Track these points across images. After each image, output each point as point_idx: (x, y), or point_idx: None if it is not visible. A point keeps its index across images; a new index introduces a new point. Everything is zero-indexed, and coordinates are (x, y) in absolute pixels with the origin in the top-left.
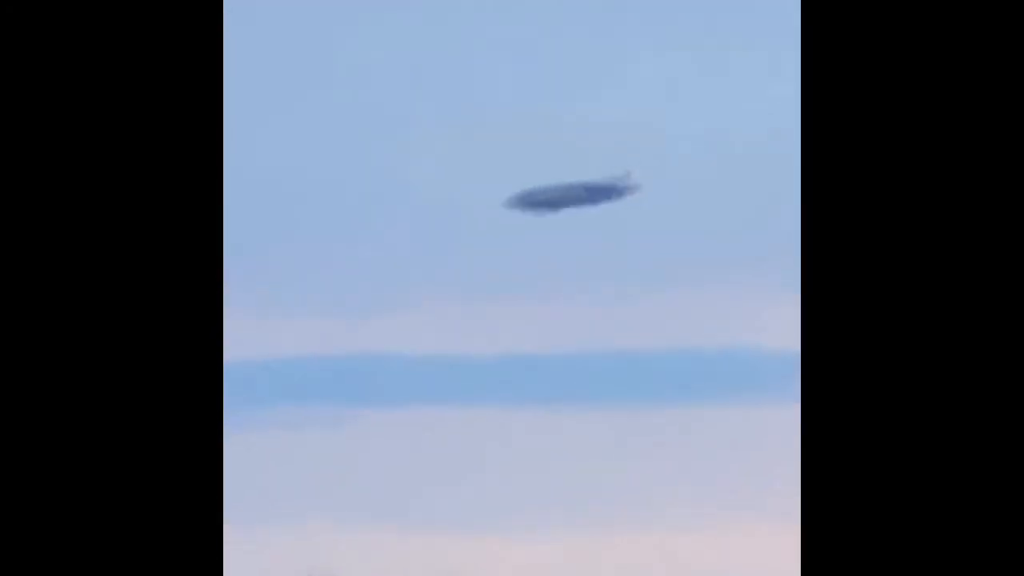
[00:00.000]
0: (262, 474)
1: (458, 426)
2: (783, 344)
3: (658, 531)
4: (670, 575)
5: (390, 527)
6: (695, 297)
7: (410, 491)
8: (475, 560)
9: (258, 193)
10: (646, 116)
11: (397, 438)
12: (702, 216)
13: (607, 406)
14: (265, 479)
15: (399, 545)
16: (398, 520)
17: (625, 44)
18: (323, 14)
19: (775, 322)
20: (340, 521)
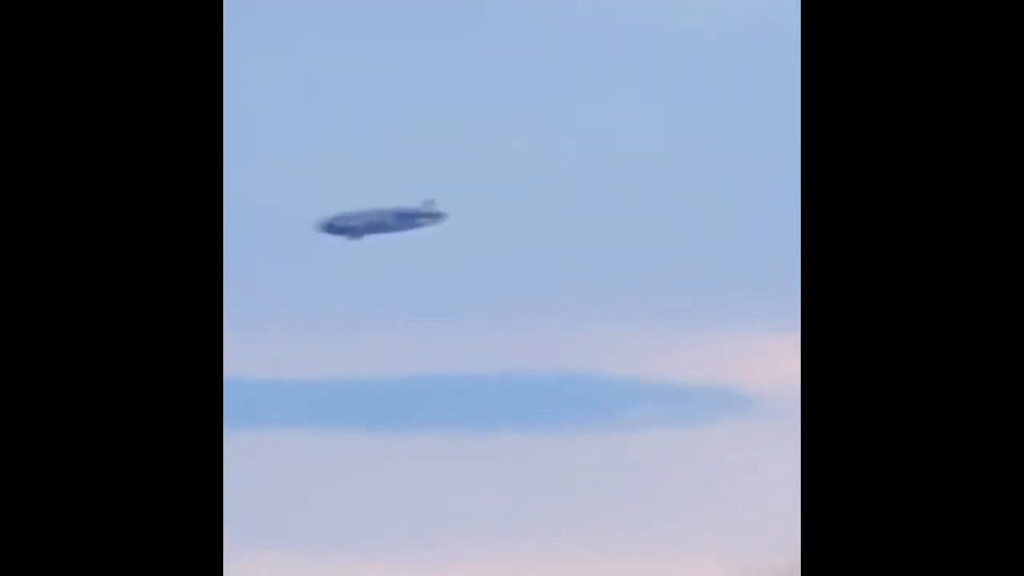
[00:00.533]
0: None
1: (313, 448)
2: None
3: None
4: None
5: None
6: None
7: (257, 510)
8: None
9: None
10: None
11: (253, 458)
12: (514, 243)
13: (439, 431)
14: None
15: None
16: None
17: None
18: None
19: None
20: None
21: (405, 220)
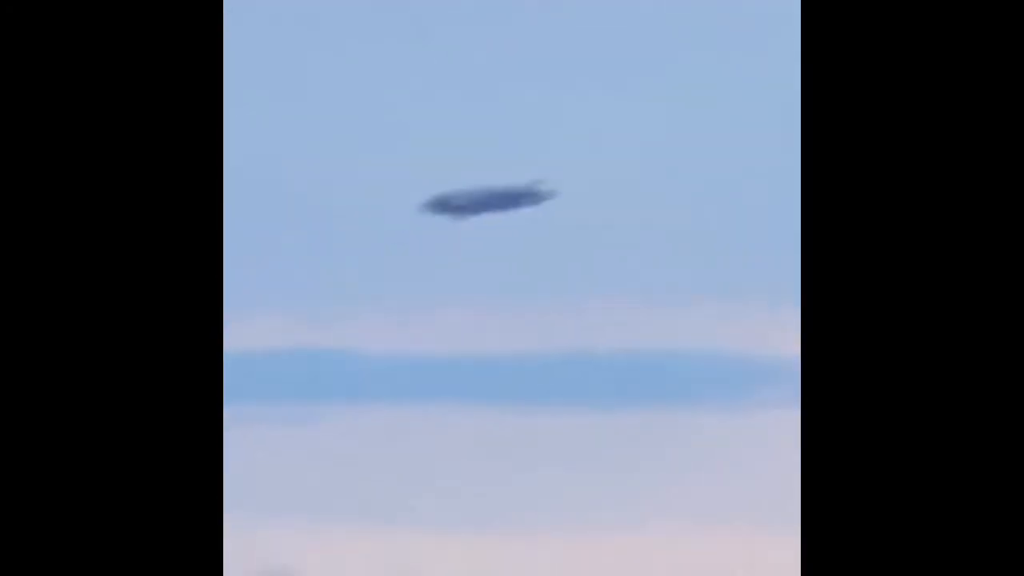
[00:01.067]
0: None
1: (426, 425)
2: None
3: (642, 537)
4: None
5: (358, 526)
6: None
7: (380, 489)
8: (450, 561)
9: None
10: (567, 117)
11: (365, 435)
12: (627, 222)
13: (570, 407)
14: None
15: (364, 543)
16: (365, 519)
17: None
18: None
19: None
20: (308, 519)
21: (511, 199)
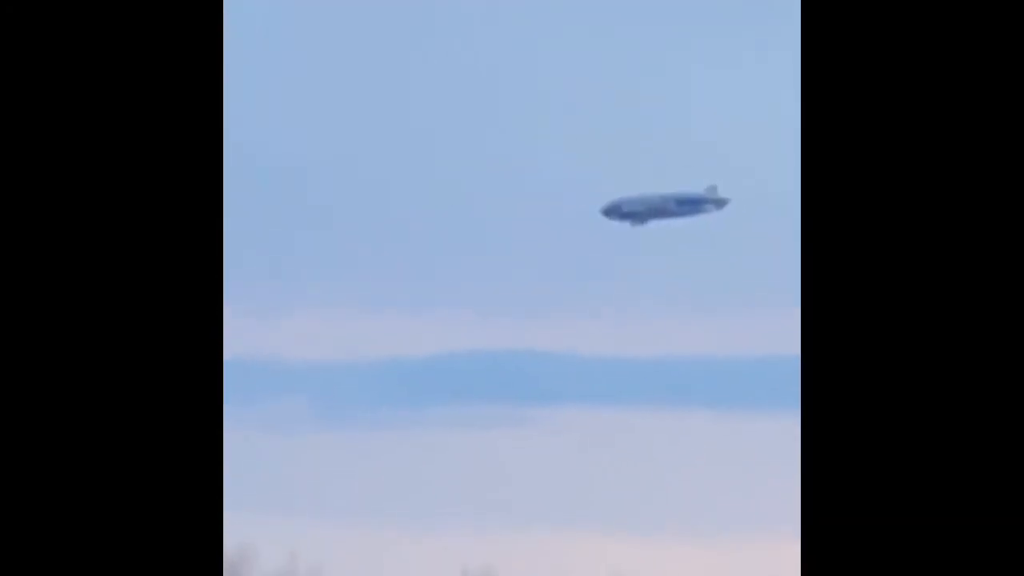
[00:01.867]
0: (407, 474)
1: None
2: None
3: None
4: None
5: (547, 526)
6: None
7: (572, 491)
8: (638, 561)
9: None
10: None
11: (563, 436)
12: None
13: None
14: (411, 479)
15: (556, 544)
16: (556, 519)
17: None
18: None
19: None
20: (493, 521)
21: (688, 206)
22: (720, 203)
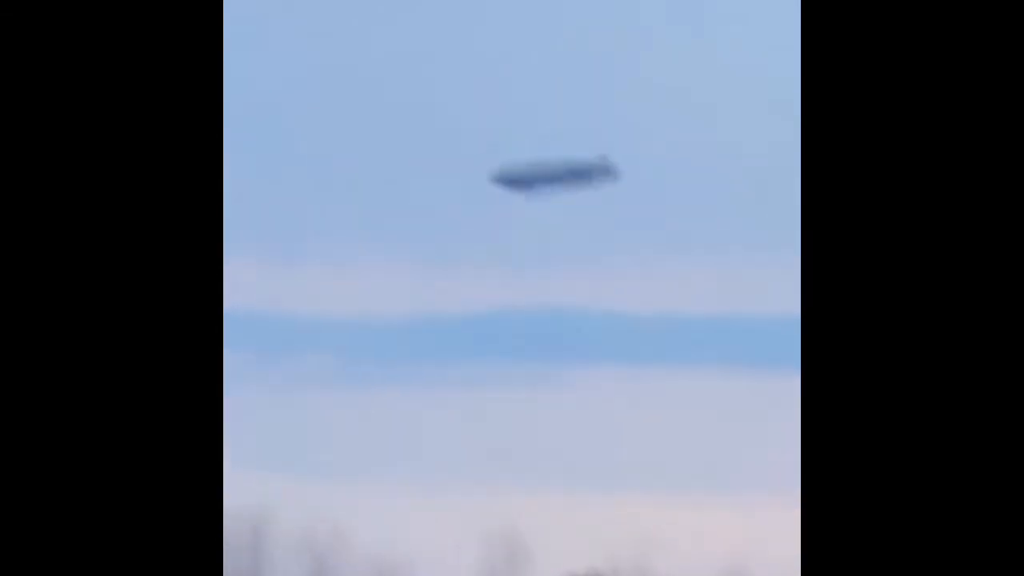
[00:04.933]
0: (445, 433)
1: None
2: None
3: None
4: None
5: (581, 489)
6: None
7: (598, 452)
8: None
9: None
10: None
11: (590, 396)
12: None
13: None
14: (447, 438)
15: (590, 507)
16: (586, 481)
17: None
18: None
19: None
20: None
21: (578, 175)
22: (610, 172)
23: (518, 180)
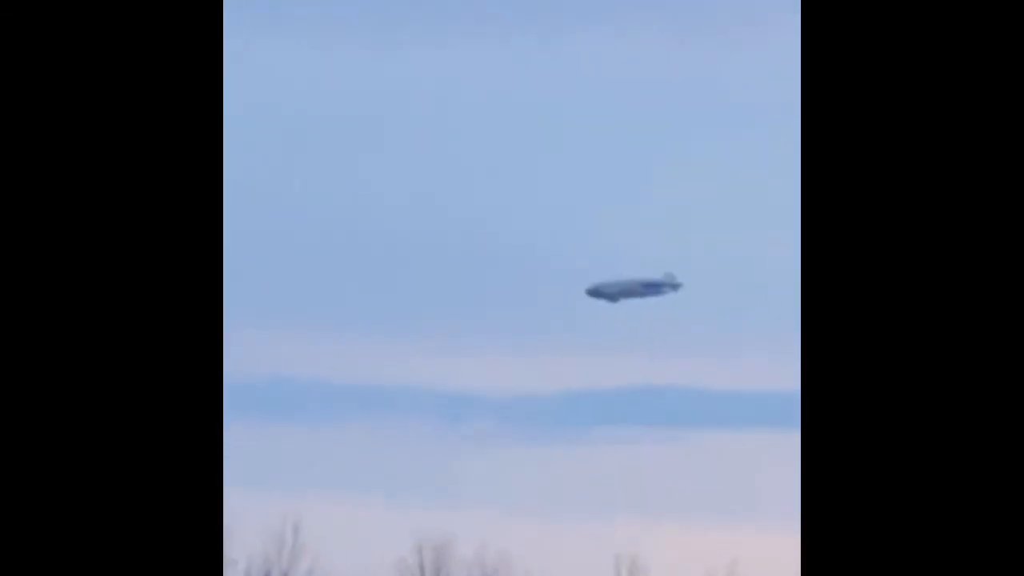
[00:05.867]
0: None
1: None
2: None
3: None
4: None
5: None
6: None
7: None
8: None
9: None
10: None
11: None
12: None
13: None
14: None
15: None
16: None
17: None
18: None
19: None
20: None
21: (651, 288)
22: (676, 286)
23: (605, 294)
